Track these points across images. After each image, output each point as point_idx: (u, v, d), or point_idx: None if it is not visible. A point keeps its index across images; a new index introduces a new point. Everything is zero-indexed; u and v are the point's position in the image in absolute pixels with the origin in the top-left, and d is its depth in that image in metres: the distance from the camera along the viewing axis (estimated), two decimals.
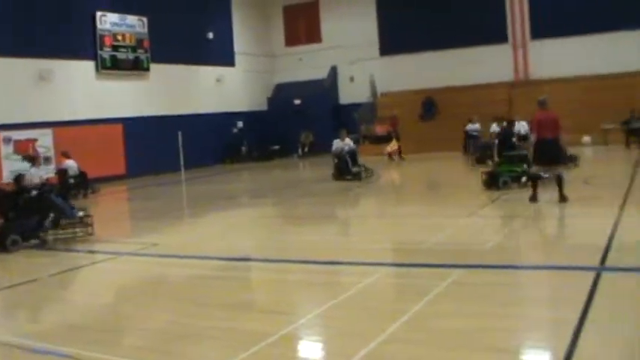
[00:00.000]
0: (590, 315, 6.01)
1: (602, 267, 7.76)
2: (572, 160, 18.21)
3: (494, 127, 23.51)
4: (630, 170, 17.75)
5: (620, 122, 25.95)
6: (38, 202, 12.29)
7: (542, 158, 13.18)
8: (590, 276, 7.26)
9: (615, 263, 7.96)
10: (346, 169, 20.26)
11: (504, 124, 18.75)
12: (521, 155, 15.85)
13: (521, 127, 20.25)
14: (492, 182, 15.44)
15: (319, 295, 7.57)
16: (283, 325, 6.27)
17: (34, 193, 12.42)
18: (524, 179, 15.09)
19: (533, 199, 13.11)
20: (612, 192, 14.03)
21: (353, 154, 20.66)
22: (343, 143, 20.87)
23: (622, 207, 11.78)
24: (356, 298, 7.22)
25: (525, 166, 15.29)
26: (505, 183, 15.36)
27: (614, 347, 5.31)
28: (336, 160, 20.78)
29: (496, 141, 17.59)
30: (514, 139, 17.42)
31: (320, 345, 6.06)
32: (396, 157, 27.97)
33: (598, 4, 30.48)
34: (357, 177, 20.02)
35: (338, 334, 6.18)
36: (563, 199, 12.90)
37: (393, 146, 28.41)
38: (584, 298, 6.47)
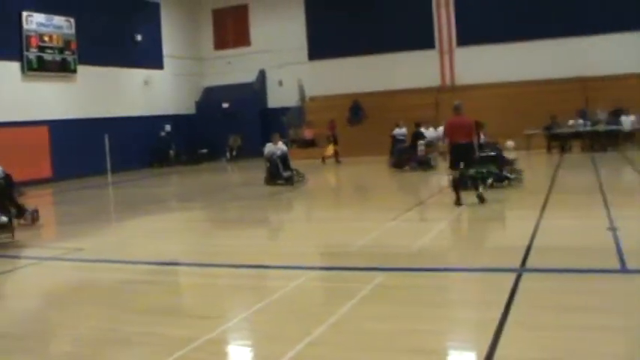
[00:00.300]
0: (511, 315, 6.16)
1: (523, 268, 7.96)
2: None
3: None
4: (551, 174, 18.27)
5: (542, 128, 26.68)
6: None
7: (456, 161, 13.55)
8: (512, 277, 7.44)
9: (535, 264, 8.18)
10: (277, 174, 20.10)
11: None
12: (490, 157, 16.26)
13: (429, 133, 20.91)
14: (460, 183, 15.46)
15: (246, 299, 7.55)
16: (209, 330, 6.22)
17: None
18: (490, 180, 15.38)
19: (458, 202, 13.37)
20: (534, 195, 14.44)
21: (284, 158, 20.46)
22: (275, 147, 20.67)
23: (543, 210, 12.13)
24: (282, 301, 7.23)
25: (493, 167, 15.80)
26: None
27: (534, 345, 5.44)
28: (268, 164, 20.58)
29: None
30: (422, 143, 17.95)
31: (245, 349, 6.04)
32: (327, 161, 28.08)
33: (521, 13, 31.36)
34: (289, 181, 19.90)
35: (264, 338, 6.18)
36: (481, 199, 13.40)
37: (330, 150, 28.52)
38: (505, 298, 6.63)
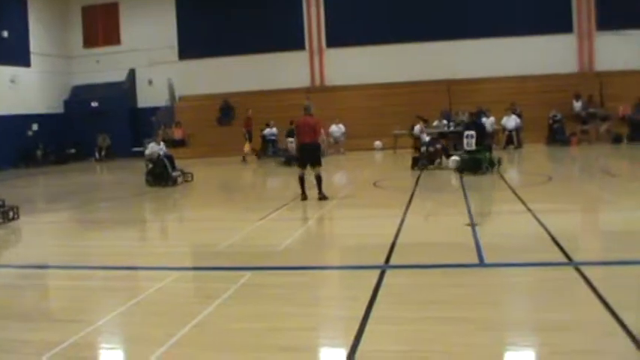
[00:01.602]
0: (375, 310, 6.29)
1: (386, 265, 8.14)
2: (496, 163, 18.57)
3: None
4: (416, 173, 18.81)
5: (408, 128, 27.35)
6: None
7: (303, 160, 14.35)
8: (376, 274, 7.59)
9: (398, 261, 8.37)
10: (164, 174, 19.05)
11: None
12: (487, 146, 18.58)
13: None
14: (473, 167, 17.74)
15: (113, 300, 7.32)
16: (74, 333, 6.00)
17: None
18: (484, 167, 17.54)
19: (304, 198, 14.16)
20: (399, 194, 14.82)
21: (171, 158, 19.54)
22: (159, 147, 19.68)
23: (407, 208, 12.46)
24: (148, 302, 7.08)
25: (487, 154, 18.14)
26: (487, 168, 17.67)
27: (395, 339, 5.59)
28: (150, 165, 19.44)
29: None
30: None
31: (109, 352, 5.85)
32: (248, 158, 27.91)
33: (390, 16, 32.26)
34: (175, 182, 19.06)
35: (128, 340, 6.07)
36: (322, 197, 13.99)
37: (247, 147, 28.22)
38: (369, 295, 6.76)
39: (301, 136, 14.37)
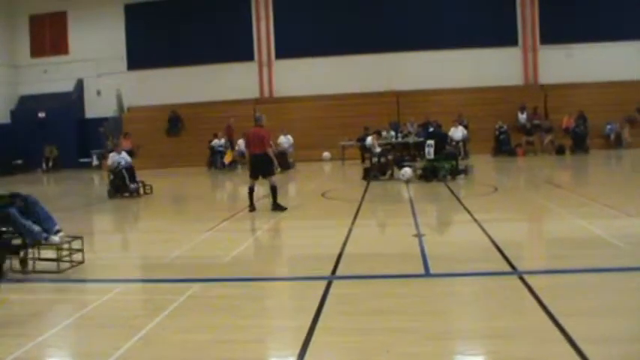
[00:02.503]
0: (321, 321, 6.31)
1: (333, 276, 8.16)
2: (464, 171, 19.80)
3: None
4: (364, 184, 18.92)
5: (356, 139, 27.53)
6: None
7: (254, 172, 14.40)
8: (322, 285, 7.62)
9: (345, 272, 8.41)
10: (123, 185, 18.68)
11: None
12: (452, 153, 19.54)
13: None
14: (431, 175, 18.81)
15: (58, 314, 7.20)
16: (18, 348, 5.90)
17: None
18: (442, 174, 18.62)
19: (251, 209, 14.24)
20: (347, 205, 14.88)
21: (131, 170, 19.02)
22: (120, 157, 19.16)
23: (354, 219, 12.52)
24: (93, 315, 6.97)
25: (454, 162, 19.32)
26: (444, 176, 18.76)
27: (341, 349, 5.62)
28: (111, 176, 19.04)
29: None
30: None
31: None
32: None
33: (339, 28, 32.45)
34: (133, 193, 18.66)
35: (73, 354, 6.00)
36: (277, 207, 14.07)
37: (229, 156, 28.07)
38: (316, 306, 6.78)
39: (251, 147, 14.42)
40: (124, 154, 19.59)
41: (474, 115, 29.66)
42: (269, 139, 14.51)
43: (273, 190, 14.20)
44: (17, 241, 9.06)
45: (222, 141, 28.82)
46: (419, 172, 19.26)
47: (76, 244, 9.49)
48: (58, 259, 9.09)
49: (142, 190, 19.04)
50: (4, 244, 8.96)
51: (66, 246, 9.32)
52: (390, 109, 30.99)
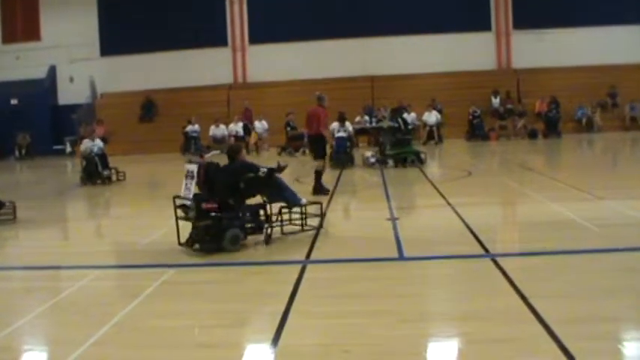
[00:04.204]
0: (295, 305, 6.32)
1: (307, 260, 8.19)
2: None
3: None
4: (340, 168, 18.95)
5: (330, 125, 27.46)
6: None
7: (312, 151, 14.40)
8: (297, 269, 7.63)
9: (319, 256, 8.43)
10: (95, 172, 18.39)
11: None
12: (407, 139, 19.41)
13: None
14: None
15: (31, 302, 7.11)
16: None
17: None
18: (409, 160, 18.66)
19: (317, 191, 13.68)
20: None
21: (104, 156, 18.78)
22: (92, 143, 18.84)
23: (328, 203, 12.52)
24: (66, 302, 6.93)
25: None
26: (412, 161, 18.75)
27: (315, 333, 5.64)
28: (84, 163, 18.70)
29: None
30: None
31: (26, 354, 5.70)
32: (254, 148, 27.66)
33: (313, 13, 32.44)
34: (106, 180, 18.43)
35: (46, 341, 5.96)
36: (319, 190, 13.62)
37: (254, 137, 28.17)
38: (290, 290, 6.79)
39: (307, 126, 14.27)
40: (97, 141, 19.33)
41: (447, 99, 29.82)
42: (325, 119, 14.02)
43: (317, 174, 13.66)
44: None
45: (197, 127, 28.68)
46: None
47: None
48: None
49: (114, 177, 18.83)
50: None
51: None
52: (364, 94, 31.01)
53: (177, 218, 8.98)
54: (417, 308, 6.25)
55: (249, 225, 9.14)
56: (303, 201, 9.86)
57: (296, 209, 9.78)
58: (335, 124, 22.19)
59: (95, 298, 7.18)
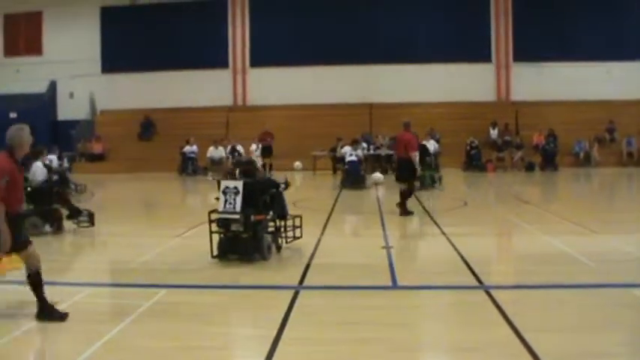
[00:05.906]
0: (287, 331, 6.30)
1: (300, 286, 8.16)
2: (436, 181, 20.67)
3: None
4: (335, 194, 18.95)
5: (328, 150, 27.53)
6: None
7: (399, 174, 15.07)
8: (290, 294, 7.61)
9: (313, 282, 8.41)
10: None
11: None
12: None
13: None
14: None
15: (20, 317, 7.09)
16: None
17: None
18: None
19: (402, 212, 14.32)
20: (317, 215, 14.83)
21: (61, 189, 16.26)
22: (42, 170, 16.96)
23: (324, 229, 12.52)
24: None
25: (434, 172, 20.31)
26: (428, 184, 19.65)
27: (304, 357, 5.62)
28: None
29: None
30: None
31: None
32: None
33: (314, 39, 32.55)
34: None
35: (35, 358, 6.01)
36: (403, 212, 14.29)
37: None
38: (282, 315, 6.77)
39: (397, 150, 15.22)
40: (54, 160, 18.56)
41: (446, 129, 29.81)
42: (415, 144, 14.76)
43: (402, 195, 14.34)
44: None
45: (194, 147, 28.66)
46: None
47: None
48: None
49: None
50: None
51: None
52: (362, 121, 31.09)
53: (211, 232, 9.64)
54: (408, 338, 6.23)
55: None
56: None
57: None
58: (347, 148, 22.51)
59: (87, 316, 7.11)
